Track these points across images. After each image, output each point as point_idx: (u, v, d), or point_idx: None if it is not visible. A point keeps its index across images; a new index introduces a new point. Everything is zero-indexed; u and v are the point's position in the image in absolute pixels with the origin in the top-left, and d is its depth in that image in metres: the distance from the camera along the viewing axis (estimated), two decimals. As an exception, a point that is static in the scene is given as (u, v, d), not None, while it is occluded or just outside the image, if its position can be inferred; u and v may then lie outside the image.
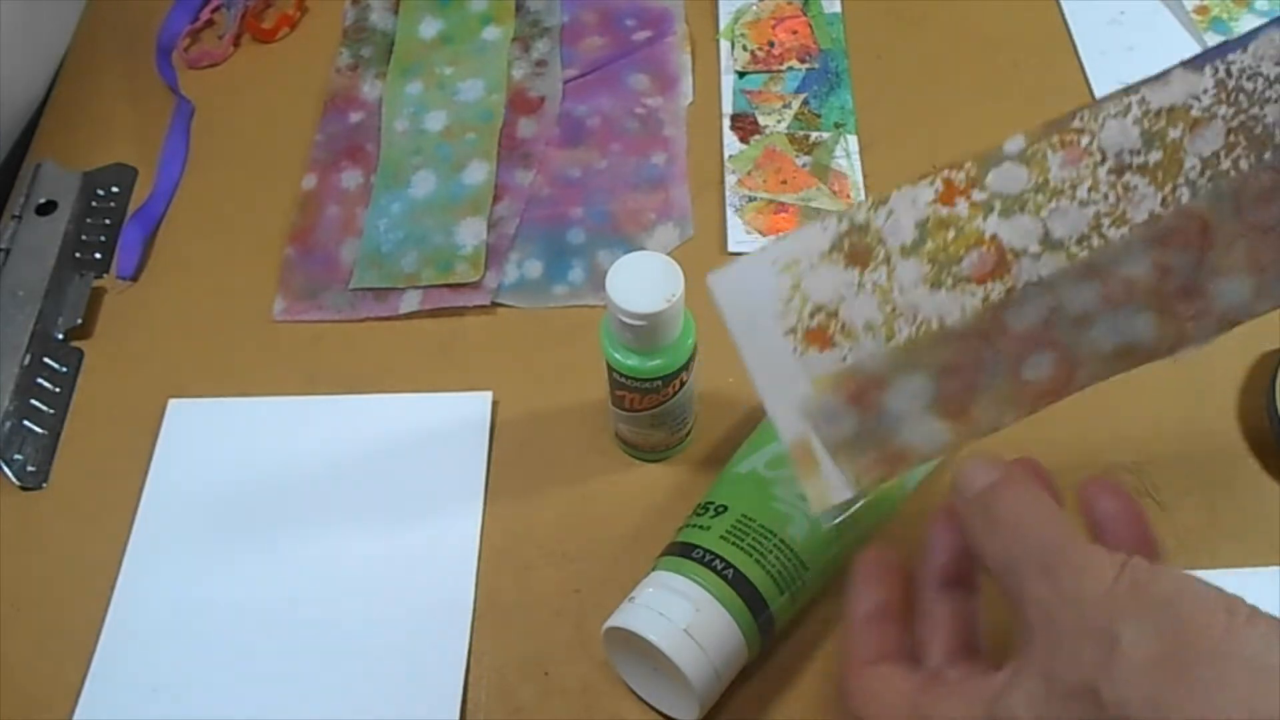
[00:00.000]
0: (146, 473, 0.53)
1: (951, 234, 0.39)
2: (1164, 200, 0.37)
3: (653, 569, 0.45)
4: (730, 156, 0.63)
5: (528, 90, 0.66)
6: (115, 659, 0.48)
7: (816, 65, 0.66)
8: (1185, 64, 0.38)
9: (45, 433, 0.55)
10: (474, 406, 0.54)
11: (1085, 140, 0.38)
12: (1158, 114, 0.38)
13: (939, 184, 0.39)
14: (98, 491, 0.53)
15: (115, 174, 0.64)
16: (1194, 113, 0.38)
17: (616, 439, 0.53)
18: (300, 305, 0.58)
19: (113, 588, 0.50)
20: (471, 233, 0.59)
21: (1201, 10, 0.68)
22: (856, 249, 0.39)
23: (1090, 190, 0.38)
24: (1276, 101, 0.37)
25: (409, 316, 0.58)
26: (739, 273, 0.40)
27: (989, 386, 0.38)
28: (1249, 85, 0.37)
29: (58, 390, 0.56)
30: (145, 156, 0.65)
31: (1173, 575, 0.31)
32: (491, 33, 0.68)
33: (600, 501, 0.51)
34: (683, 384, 0.48)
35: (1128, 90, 0.38)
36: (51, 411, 0.55)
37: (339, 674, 0.47)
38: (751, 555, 0.44)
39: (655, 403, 0.48)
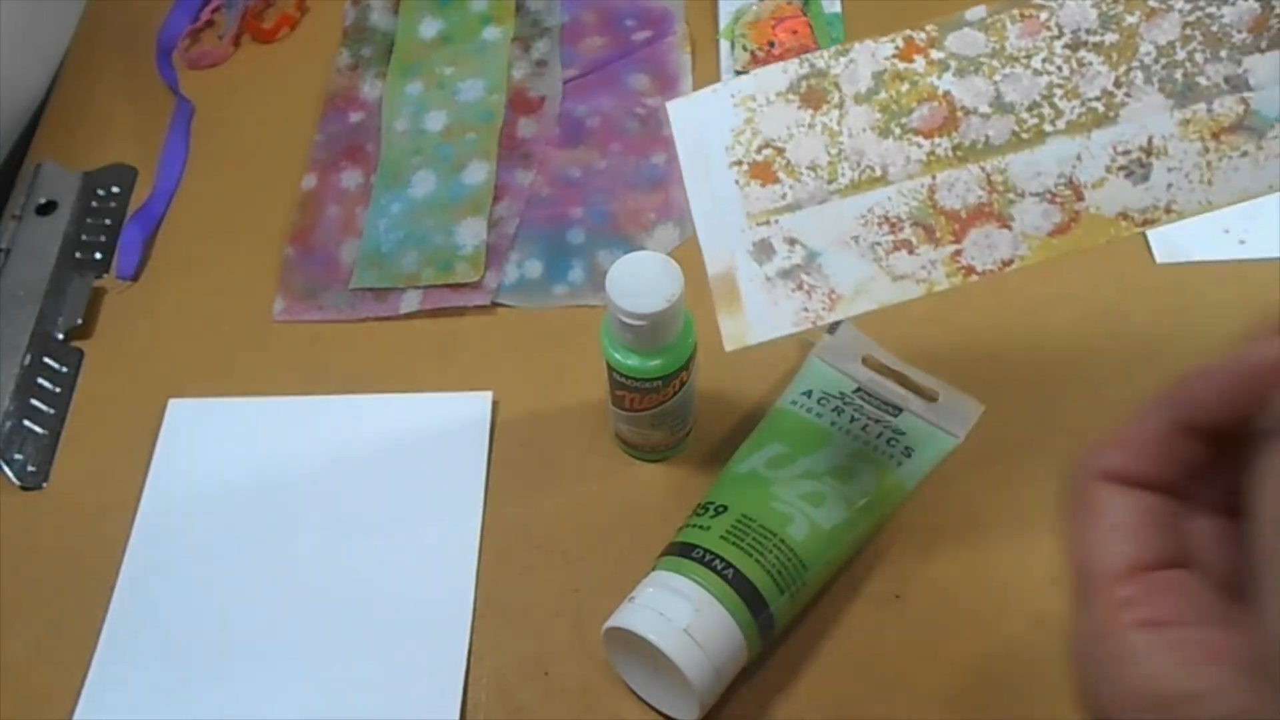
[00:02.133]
0: (146, 473, 0.53)
1: (905, 87, 0.40)
2: (1117, 80, 0.39)
3: (653, 569, 0.45)
4: (730, 156, 0.63)
5: (528, 90, 0.66)
6: (115, 659, 0.48)
7: (816, 65, 0.66)
8: None
9: (45, 433, 0.55)
10: (474, 406, 0.54)
11: (1044, 15, 0.40)
12: (1116, 0, 0.40)
13: (900, 41, 0.41)
14: (98, 491, 0.53)
15: (115, 174, 0.64)
16: (1151, 3, 0.39)
17: (616, 439, 0.53)
18: (300, 305, 0.58)
19: (113, 588, 0.50)
20: (471, 233, 0.59)
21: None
22: (813, 91, 0.41)
23: (1045, 62, 0.40)
24: (1234, 4, 0.38)
25: (409, 316, 0.58)
26: (698, 102, 0.42)
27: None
28: None
29: (58, 390, 0.56)
30: (145, 156, 0.65)
31: None
32: (491, 33, 0.68)
33: (600, 501, 0.51)
34: (683, 384, 0.48)
35: None
36: (51, 411, 0.55)
37: (339, 674, 0.47)
38: (751, 555, 0.44)
39: (655, 403, 0.48)
